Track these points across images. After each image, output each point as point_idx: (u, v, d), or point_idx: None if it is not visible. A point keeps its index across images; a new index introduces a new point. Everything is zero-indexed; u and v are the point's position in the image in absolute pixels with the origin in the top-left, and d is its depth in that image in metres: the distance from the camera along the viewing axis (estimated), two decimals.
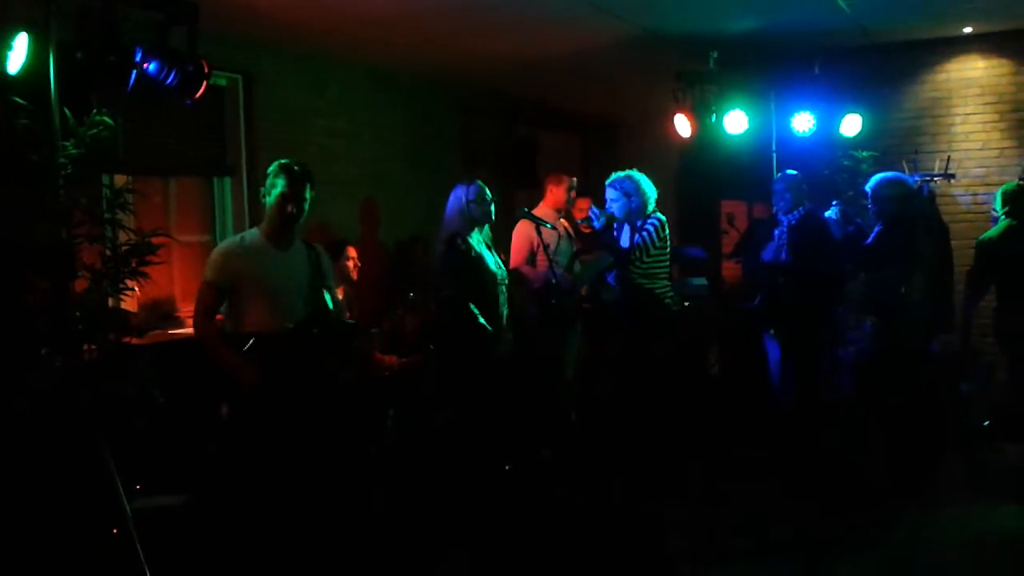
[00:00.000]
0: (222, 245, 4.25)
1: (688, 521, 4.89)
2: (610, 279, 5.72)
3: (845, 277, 6.21)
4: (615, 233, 5.73)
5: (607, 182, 5.72)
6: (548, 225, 5.60)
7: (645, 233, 5.56)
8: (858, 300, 6.33)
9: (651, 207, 5.66)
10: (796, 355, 5.99)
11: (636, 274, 5.58)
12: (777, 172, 7.08)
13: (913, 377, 5.74)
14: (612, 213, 5.63)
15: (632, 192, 5.60)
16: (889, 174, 6.02)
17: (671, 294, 5.73)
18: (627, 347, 5.62)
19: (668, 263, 5.74)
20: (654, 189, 5.70)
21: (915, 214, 5.88)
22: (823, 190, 6.99)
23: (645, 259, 5.57)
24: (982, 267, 5.88)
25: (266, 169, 6.64)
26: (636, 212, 5.62)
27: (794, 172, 6.21)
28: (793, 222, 6.00)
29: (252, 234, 4.24)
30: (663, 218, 5.66)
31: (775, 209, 6.28)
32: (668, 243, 5.70)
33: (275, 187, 4.16)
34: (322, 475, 4.36)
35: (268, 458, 3.94)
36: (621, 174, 5.69)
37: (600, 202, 5.85)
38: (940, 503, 5.11)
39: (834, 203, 6.30)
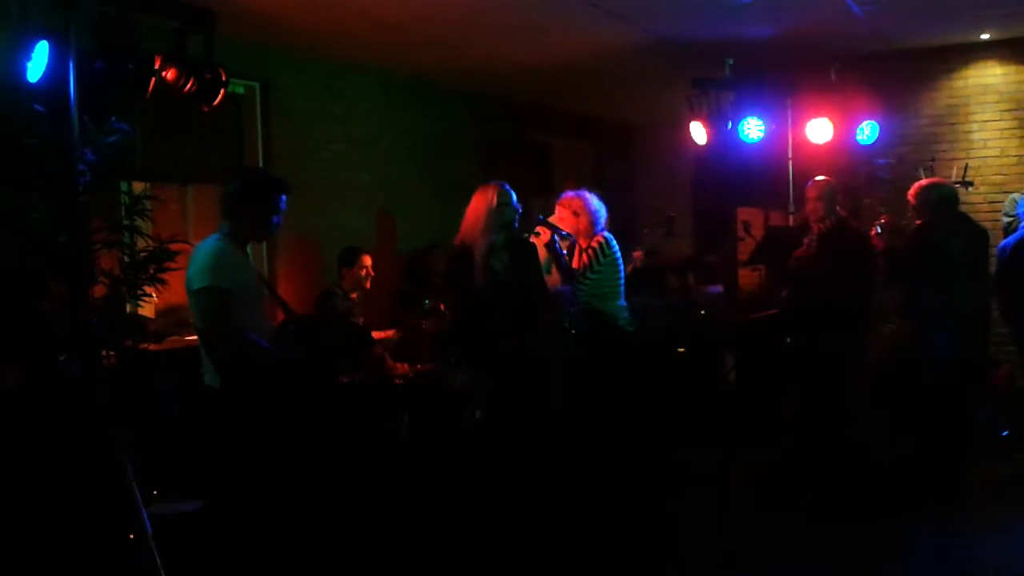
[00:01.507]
0: (209, 249, 3.86)
1: (702, 526, 4.88)
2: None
3: (876, 286, 6.12)
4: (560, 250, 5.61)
5: (557, 200, 5.65)
6: (564, 233, 5.58)
7: (590, 251, 5.51)
8: (893, 307, 6.25)
9: (599, 226, 5.58)
10: (824, 364, 5.92)
11: (584, 292, 5.47)
12: (794, 179, 7.04)
13: (950, 386, 5.63)
14: (559, 229, 5.47)
15: (579, 211, 5.54)
16: (931, 179, 5.94)
17: (625, 315, 5.60)
18: (583, 366, 5.51)
19: (621, 283, 5.61)
20: (603, 208, 5.63)
21: (955, 217, 5.75)
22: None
23: (590, 276, 5.48)
24: (1003, 274, 5.84)
25: (283, 176, 6.71)
26: (584, 231, 5.55)
27: (824, 178, 6.02)
28: (824, 230, 5.89)
29: (221, 238, 3.91)
30: (609, 236, 5.58)
31: (794, 215, 6.16)
32: (617, 262, 5.58)
33: (271, 204, 3.97)
34: (335, 481, 4.37)
35: (282, 464, 3.93)
36: (571, 192, 5.62)
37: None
38: (956, 514, 5.07)
39: (880, 218, 6.18)
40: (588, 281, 5.50)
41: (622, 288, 5.62)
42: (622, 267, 5.63)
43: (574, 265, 5.60)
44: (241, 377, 3.80)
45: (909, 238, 5.79)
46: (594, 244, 5.54)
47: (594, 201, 5.62)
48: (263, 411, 3.79)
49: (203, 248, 3.87)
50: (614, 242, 5.60)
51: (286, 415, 3.84)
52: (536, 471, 5.09)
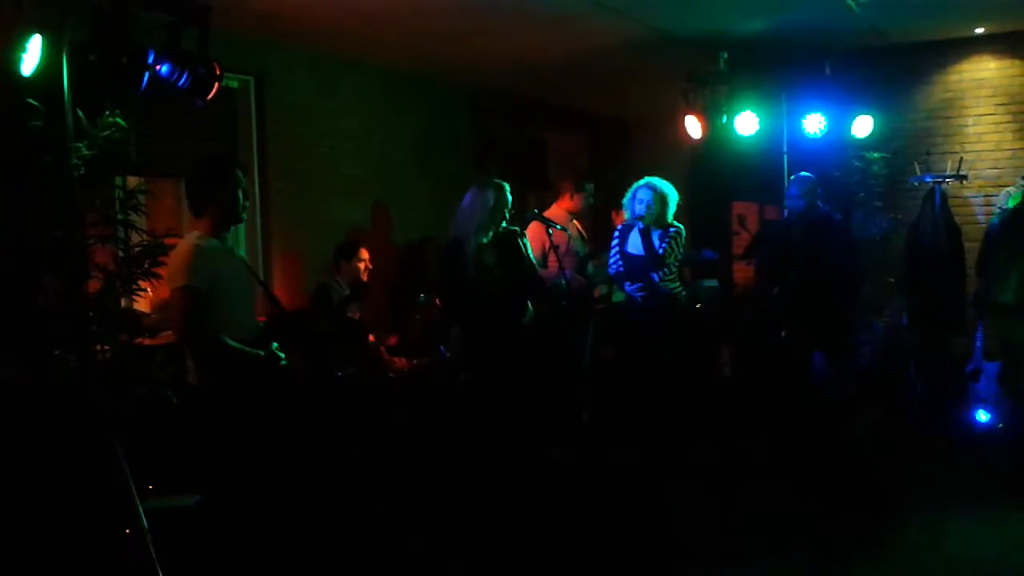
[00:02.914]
0: (186, 248, 3.77)
1: (701, 521, 4.90)
2: (628, 287, 5.76)
3: (860, 279, 6.17)
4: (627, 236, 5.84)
5: (641, 183, 5.78)
6: (559, 227, 5.60)
7: (670, 239, 5.70)
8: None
9: (671, 214, 5.80)
10: (812, 358, 5.98)
11: (664, 276, 5.74)
12: (789, 173, 7.06)
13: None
14: (646, 215, 5.71)
15: (667, 198, 5.72)
16: None
17: (685, 293, 5.91)
18: (648, 348, 5.68)
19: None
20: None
21: None
22: (834, 192, 6.97)
23: (674, 264, 5.74)
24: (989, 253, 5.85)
25: (278, 171, 6.73)
26: (664, 217, 5.71)
27: (808, 174, 6.17)
28: (806, 224, 5.98)
29: (200, 235, 3.83)
30: (682, 227, 5.83)
31: (787, 211, 6.25)
32: None
33: (231, 183, 3.90)
34: (331, 475, 4.37)
35: (265, 460, 3.90)
36: (655, 179, 5.79)
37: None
38: (951, 507, 5.08)
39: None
40: (673, 266, 5.75)
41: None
42: None
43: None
44: (216, 375, 3.76)
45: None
46: (674, 233, 5.74)
47: (673, 190, 5.81)
48: (240, 408, 3.75)
49: (180, 247, 3.82)
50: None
51: (263, 412, 3.80)
52: (534, 461, 5.13)
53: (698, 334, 6.45)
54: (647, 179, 5.81)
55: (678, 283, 5.87)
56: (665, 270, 5.69)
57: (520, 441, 5.18)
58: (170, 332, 5.00)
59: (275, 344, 3.88)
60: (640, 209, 5.70)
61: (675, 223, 5.80)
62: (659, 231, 5.73)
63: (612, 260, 5.89)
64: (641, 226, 5.70)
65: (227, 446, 3.81)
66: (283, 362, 3.87)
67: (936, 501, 5.17)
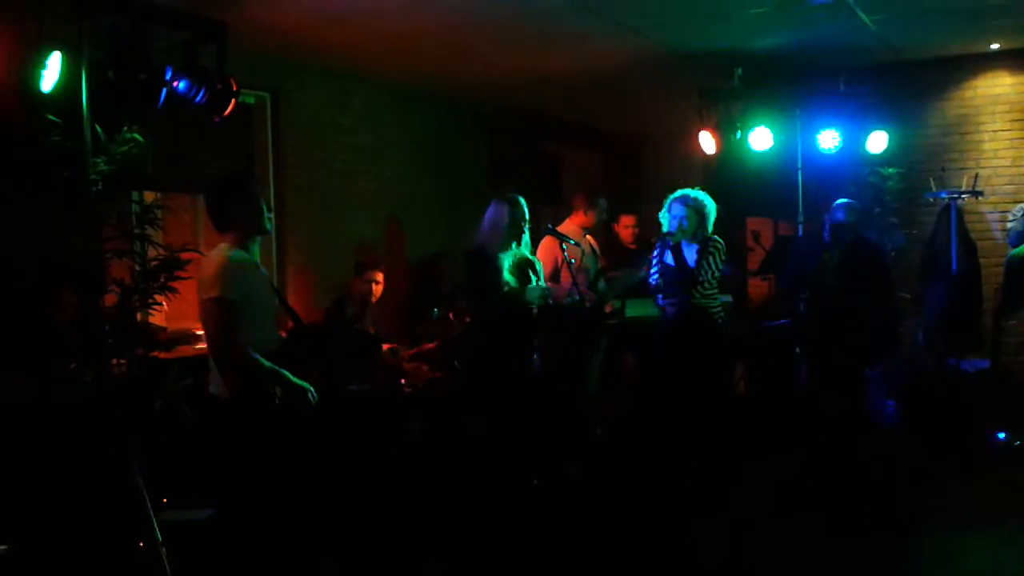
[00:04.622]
0: (220, 258, 3.72)
1: (715, 537, 4.87)
2: (659, 300, 5.66)
3: (896, 302, 6.18)
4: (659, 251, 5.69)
5: (675, 196, 5.58)
6: (572, 242, 5.61)
7: (706, 254, 5.50)
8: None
9: (710, 227, 5.59)
10: (836, 375, 5.94)
11: (698, 294, 5.53)
12: (804, 189, 7.07)
13: None
14: (682, 230, 5.49)
15: (704, 211, 5.51)
16: None
17: (722, 312, 5.68)
18: (680, 365, 5.55)
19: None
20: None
21: None
22: None
23: (712, 280, 5.51)
24: (1012, 285, 5.83)
25: (293, 186, 6.77)
26: (702, 231, 5.52)
27: (853, 201, 6.27)
28: (847, 249, 6.00)
29: (229, 247, 3.78)
30: (721, 241, 5.60)
31: (827, 233, 6.23)
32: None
33: (254, 196, 3.88)
34: (342, 489, 4.37)
35: (286, 473, 3.90)
36: (692, 191, 5.56)
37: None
38: (969, 524, 5.04)
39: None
40: (712, 281, 5.50)
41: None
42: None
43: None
44: (245, 387, 3.72)
45: None
46: (712, 250, 5.51)
47: (712, 202, 5.59)
48: (266, 421, 3.73)
49: (213, 258, 3.77)
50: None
51: (289, 426, 3.79)
52: (546, 475, 5.12)
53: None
54: (682, 192, 5.55)
55: (717, 300, 5.61)
56: (701, 286, 5.47)
57: (535, 456, 5.18)
58: (187, 346, 5.05)
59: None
60: (672, 224, 5.47)
61: (714, 237, 5.52)
62: (696, 245, 5.51)
63: (652, 272, 5.67)
64: (671, 242, 5.50)
65: (246, 458, 3.79)
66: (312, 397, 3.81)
67: (954, 519, 5.12)
